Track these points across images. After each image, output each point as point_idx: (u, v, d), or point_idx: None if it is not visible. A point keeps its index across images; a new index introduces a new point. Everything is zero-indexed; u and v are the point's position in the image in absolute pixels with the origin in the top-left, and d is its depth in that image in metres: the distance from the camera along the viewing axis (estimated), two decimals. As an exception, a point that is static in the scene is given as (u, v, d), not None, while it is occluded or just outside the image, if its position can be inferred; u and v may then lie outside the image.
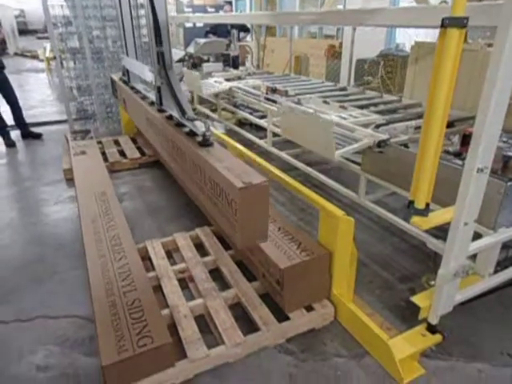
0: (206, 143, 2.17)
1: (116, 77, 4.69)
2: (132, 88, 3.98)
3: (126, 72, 4.14)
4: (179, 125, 2.56)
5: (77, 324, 2.12)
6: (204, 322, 2.06)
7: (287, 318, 2.02)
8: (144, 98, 3.51)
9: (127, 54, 4.14)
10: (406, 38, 7.01)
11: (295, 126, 2.73)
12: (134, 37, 3.96)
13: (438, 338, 1.84)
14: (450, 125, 2.82)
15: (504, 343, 1.96)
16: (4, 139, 5.08)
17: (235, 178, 1.70)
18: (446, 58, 1.38)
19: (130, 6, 3.80)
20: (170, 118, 2.76)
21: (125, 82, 4.28)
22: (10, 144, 5.04)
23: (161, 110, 2.92)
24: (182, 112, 2.40)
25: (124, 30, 4.06)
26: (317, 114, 2.75)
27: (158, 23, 2.42)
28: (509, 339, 1.99)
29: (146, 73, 3.17)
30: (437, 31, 1.43)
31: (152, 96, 3.25)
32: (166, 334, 1.72)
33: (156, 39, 2.48)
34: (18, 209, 3.47)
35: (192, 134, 2.34)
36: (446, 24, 1.33)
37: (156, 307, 1.89)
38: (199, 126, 2.25)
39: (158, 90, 2.79)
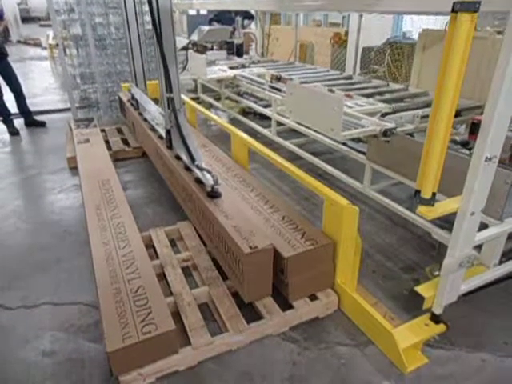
0: (214, 195, 2.34)
1: (124, 96, 4.66)
2: (140, 114, 4.02)
3: (136, 101, 4.13)
4: (188, 168, 2.68)
5: (82, 311, 2.14)
6: (208, 310, 2.08)
7: (291, 307, 2.02)
8: (153, 129, 3.56)
9: (136, 85, 4.16)
10: (414, 26, 6.91)
11: (303, 106, 2.71)
12: (138, 36, 3.98)
13: (441, 327, 1.83)
14: (457, 114, 2.78)
15: (508, 333, 1.96)
16: (8, 127, 5.08)
17: (243, 242, 1.91)
18: (457, 45, 1.35)
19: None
20: (179, 157, 2.86)
21: (133, 105, 4.28)
22: (14, 132, 5.04)
23: (170, 147, 3.04)
24: (192, 158, 2.53)
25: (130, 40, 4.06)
26: (326, 92, 2.73)
27: (169, 72, 2.59)
28: (513, 330, 1.99)
29: (156, 114, 3.29)
30: (445, 20, 1.39)
31: (160, 129, 3.35)
32: (169, 322, 1.73)
33: (166, 86, 2.66)
34: (23, 197, 3.48)
35: (201, 180, 2.48)
36: (457, 8, 1.30)
37: (160, 295, 1.89)
38: (208, 178, 2.37)
39: (168, 132, 2.95)
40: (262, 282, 1.99)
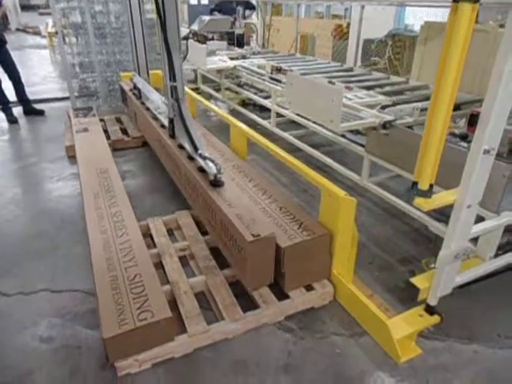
0: (217, 184, 2.35)
1: (126, 86, 4.62)
2: (142, 103, 3.99)
3: (139, 90, 4.10)
4: (191, 157, 2.68)
5: (79, 298, 2.15)
6: (204, 299, 2.09)
7: (287, 297, 2.03)
8: (155, 118, 3.54)
9: (139, 74, 4.12)
10: (416, 18, 6.86)
11: (302, 97, 2.71)
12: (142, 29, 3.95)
13: (435, 319, 1.85)
14: (456, 107, 2.78)
15: (501, 326, 1.98)
16: (6, 115, 5.06)
17: (245, 230, 1.93)
18: (457, 35, 1.34)
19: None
20: (182, 146, 2.85)
21: (135, 94, 4.26)
22: (13, 120, 5.02)
23: (173, 136, 3.03)
24: (194, 147, 2.54)
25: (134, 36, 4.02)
26: (326, 83, 2.73)
27: (173, 61, 2.61)
28: (506, 322, 2.00)
29: (159, 103, 3.33)
30: (447, 12, 1.38)
31: (163, 118, 3.33)
32: (166, 309, 1.74)
33: (170, 75, 2.66)
34: (21, 185, 3.48)
35: (203, 169, 2.49)
36: (458, -2, 1.29)
37: (157, 283, 1.90)
38: (211, 166, 2.38)
39: (171, 121, 2.94)
40: (263, 269, 1.99)
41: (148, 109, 3.79)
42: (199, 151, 2.50)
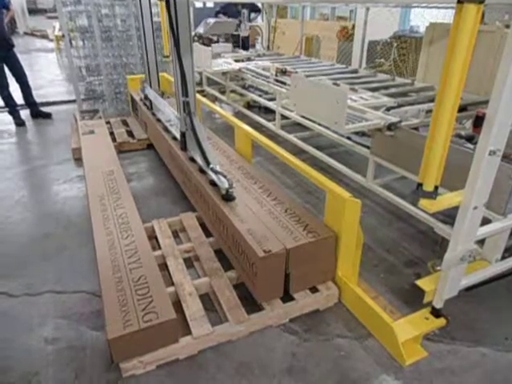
0: (228, 198, 2.34)
1: (136, 95, 4.63)
2: (153, 114, 3.98)
3: (150, 101, 4.11)
4: (203, 170, 2.68)
5: (84, 299, 2.16)
6: (209, 301, 2.09)
7: (292, 299, 2.03)
8: (166, 129, 3.53)
9: (149, 78, 4.16)
10: (421, 20, 6.82)
11: (307, 98, 2.71)
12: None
13: (441, 321, 1.83)
14: (463, 108, 2.76)
15: (509, 329, 1.95)
16: (14, 118, 5.11)
17: (257, 246, 1.92)
18: (462, 36, 1.33)
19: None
20: (193, 159, 2.85)
21: (145, 105, 4.26)
22: (20, 123, 5.07)
23: (184, 149, 3.04)
24: (206, 161, 2.54)
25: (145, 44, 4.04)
26: (330, 85, 2.73)
27: (185, 77, 2.63)
28: (514, 325, 1.98)
29: (171, 116, 3.34)
30: (453, 13, 1.37)
31: (174, 130, 3.33)
32: (170, 311, 1.74)
33: (182, 90, 2.70)
34: (28, 187, 3.51)
35: (215, 183, 2.48)
36: (463, -1, 1.28)
37: (161, 284, 1.91)
38: (223, 181, 2.37)
39: (183, 134, 2.95)
40: (274, 284, 1.99)
41: (159, 120, 3.78)
42: (211, 165, 2.49)
